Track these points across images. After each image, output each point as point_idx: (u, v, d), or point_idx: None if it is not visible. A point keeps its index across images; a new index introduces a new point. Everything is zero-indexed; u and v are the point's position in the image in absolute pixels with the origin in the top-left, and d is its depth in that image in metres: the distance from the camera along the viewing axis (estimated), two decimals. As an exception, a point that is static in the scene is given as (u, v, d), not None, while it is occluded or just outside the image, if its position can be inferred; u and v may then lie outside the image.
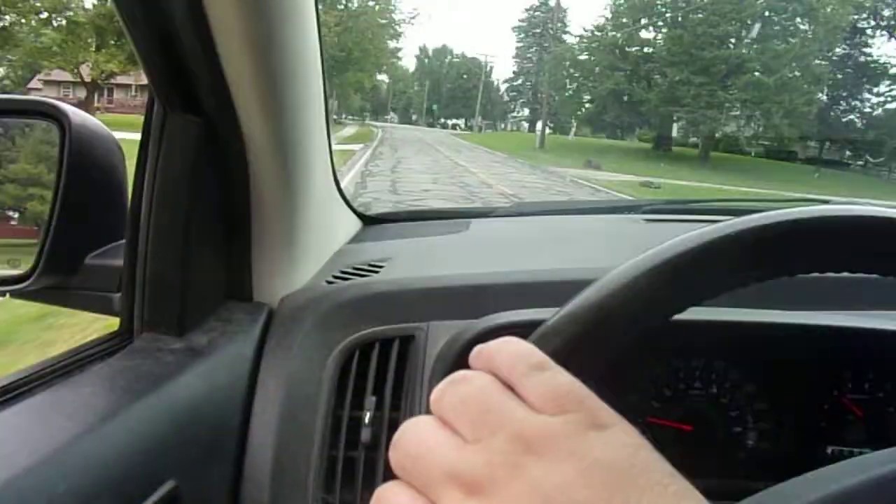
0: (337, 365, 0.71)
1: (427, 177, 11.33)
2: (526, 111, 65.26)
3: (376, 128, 38.48)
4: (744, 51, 24.40)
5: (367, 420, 0.67)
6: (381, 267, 0.90)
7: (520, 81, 64.65)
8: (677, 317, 0.63)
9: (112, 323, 0.69)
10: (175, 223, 0.64)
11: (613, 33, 28.87)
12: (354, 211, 1.16)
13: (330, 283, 0.84)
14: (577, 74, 31.45)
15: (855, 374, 0.74)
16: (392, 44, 35.42)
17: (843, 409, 0.74)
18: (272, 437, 0.67)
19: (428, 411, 0.68)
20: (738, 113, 25.13)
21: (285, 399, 0.69)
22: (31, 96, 0.70)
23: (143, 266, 0.65)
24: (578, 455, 0.25)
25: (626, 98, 27.88)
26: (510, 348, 0.31)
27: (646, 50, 28.34)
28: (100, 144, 0.68)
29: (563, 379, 0.29)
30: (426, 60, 74.87)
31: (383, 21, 30.85)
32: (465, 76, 69.84)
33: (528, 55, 62.19)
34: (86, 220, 0.69)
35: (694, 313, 0.65)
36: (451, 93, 70.42)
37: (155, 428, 0.55)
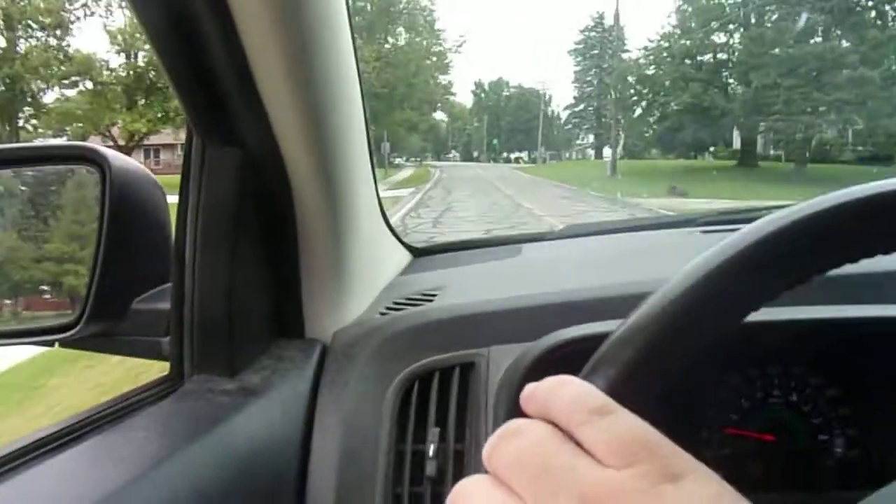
0: (396, 398, 0.73)
1: (479, 227, 10.73)
2: (591, 137, 64.91)
3: (435, 168, 39.33)
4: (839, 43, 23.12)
5: (431, 453, 0.68)
6: (434, 296, 0.92)
7: (581, 107, 64.33)
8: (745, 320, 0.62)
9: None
10: (220, 260, 0.68)
11: (683, 41, 28.02)
12: (404, 243, 1.20)
13: (383, 314, 0.87)
14: (645, 91, 30.64)
15: None
16: (443, 78, 36.57)
17: None
18: (333, 476, 0.69)
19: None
20: (834, 116, 24.12)
21: (344, 436, 0.71)
22: (71, 142, 0.76)
23: (190, 307, 0.69)
24: None
25: (704, 111, 26.90)
26: (566, 391, 0.30)
27: (720, 56, 27.44)
28: (141, 187, 0.74)
29: (628, 424, 0.27)
30: (483, 95, 76.26)
31: (429, 56, 31.38)
32: (523, 107, 70.61)
33: (588, 79, 62.41)
34: (131, 264, 0.73)
35: (762, 314, 0.63)
36: (511, 126, 71.48)
37: (211, 471, 0.57)
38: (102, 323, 0.72)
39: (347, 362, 0.76)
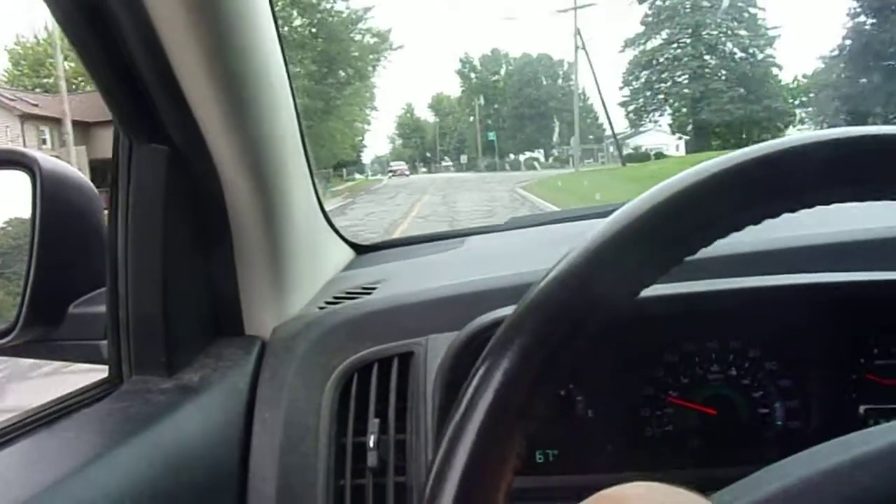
0: (335, 390, 0.99)
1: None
2: (666, 115, 46.36)
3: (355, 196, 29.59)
4: None
5: (371, 444, 0.94)
6: (373, 289, 1.20)
7: (666, 56, 44.37)
8: (674, 290, 0.89)
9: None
10: (153, 260, 0.92)
11: None
12: (346, 240, 1.50)
13: (322, 308, 1.13)
14: None
15: (879, 338, 0.97)
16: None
17: (872, 380, 0.97)
18: (274, 471, 0.93)
19: (435, 430, 0.95)
20: None
21: (284, 431, 0.95)
22: (-1, 146, 1.02)
23: (125, 308, 0.93)
24: None
25: None
26: None
27: None
28: (74, 189, 0.99)
29: None
30: (473, 76, 71.59)
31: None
32: (532, 84, 64.37)
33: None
34: (66, 267, 0.99)
35: (692, 286, 0.92)
36: (516, 112, 65.61)
37: (146, 469, 0.78)
38: (39, 329, 0.97)
39: (286, 357, 1.01)
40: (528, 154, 65.54)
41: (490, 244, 1.58)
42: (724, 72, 42.22)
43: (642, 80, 46.63)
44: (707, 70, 42.30)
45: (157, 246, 0.92)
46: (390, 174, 45.35)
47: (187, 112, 0.89)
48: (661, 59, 44.76)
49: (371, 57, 37.63)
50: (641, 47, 45.76)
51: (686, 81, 43.03)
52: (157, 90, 0.87)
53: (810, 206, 0.48)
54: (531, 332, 0.46)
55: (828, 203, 0.47)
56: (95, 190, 1.03)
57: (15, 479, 0.70)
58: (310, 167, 1.23)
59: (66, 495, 0.67)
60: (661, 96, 45.60)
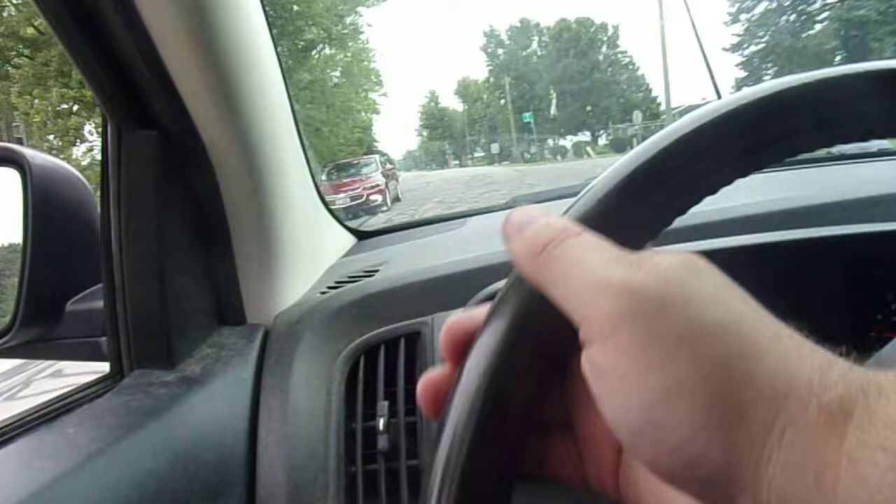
0: (342, 374, 1.04)
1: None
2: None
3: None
4: None
5: (381, 427, 0.99)
6: (376, 271, 1.26)
7: None
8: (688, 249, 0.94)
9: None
10: (148, 251, 0.97)
11: None
12: (347, 227, 1.58)
13: (324, 293, 1.19)
14: None
15: None
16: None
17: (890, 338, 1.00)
18: (283, 460, 0.99)
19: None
20: None
21: (291, 418, 1.01)
22: (-14, 144, 1.07)
23: (122, 302, 0.98)
24: None
25: None
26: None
27: None
28: (65, 185, 1.05)
29: None
30: (500, 53, 67.93)
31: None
32: (572, 53, 59.98)
33: None
34: (61, 264, 1.05)
35: (706, 244, 0.97)
36: (556, 90, 61.60)
37: (150, 461, 0.83)
38: (36, 328, 1.03)
39: (290, 343, 1.07)
40: (570, 138, 61.17)
41: (492, 223, 1.66)
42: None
43: (759, 10, 35.28)
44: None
45: (152, 236, 0.97)
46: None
47: (174, 93, 0.94)
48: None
49: (342, 8, 29.11)
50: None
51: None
52: (141, 71, 0.91)
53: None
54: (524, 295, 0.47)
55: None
56: (88, 184, 1.09)
57: (15, 476, 0.74)
58: (305, 152, 1.30)
59: (69, 490, 0.71)
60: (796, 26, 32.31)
